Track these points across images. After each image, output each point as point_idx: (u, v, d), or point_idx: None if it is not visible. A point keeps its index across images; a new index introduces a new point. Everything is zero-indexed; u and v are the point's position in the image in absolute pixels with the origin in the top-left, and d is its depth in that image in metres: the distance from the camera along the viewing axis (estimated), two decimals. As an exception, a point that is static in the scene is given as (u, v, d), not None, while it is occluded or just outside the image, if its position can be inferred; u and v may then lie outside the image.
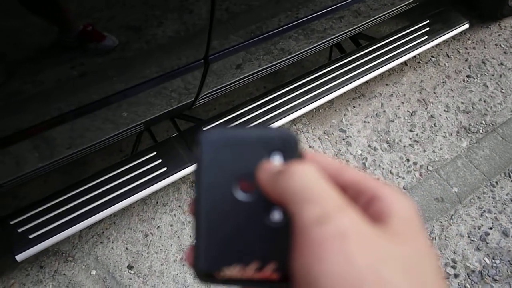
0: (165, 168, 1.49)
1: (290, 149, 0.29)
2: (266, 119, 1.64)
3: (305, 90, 1.72)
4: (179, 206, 1.71)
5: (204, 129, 1.53)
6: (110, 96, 1.10)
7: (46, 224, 1.35)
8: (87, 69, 0.99)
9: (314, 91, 1.73)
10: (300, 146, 0.30)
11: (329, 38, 1.61)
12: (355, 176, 0.29)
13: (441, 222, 1.74)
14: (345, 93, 2.00)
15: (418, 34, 1.94)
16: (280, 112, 1.66)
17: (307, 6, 1.34)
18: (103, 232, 1.63)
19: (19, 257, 1.30)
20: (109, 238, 1.62)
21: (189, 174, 1.62)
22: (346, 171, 0.29)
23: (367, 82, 2.10)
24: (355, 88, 2.07)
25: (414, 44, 1.90)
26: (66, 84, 0.99)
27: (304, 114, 1.89)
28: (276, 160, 0.29)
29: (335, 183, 0.28)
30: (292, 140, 0.30)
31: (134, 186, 1.45)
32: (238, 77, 1.44)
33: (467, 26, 2.02)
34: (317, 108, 2.01)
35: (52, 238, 1.33)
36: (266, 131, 0.30)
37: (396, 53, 1.87)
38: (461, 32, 2.26)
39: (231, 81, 1.43)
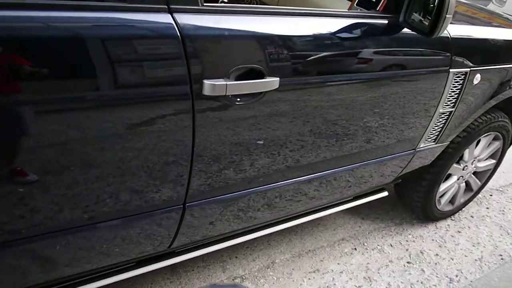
0: None
1: None
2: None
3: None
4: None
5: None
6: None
7: None
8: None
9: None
10: None
11: (289, 216, 2.14)
12: None
13: None
14: (302, 267, 2.41)
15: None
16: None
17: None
18: None
19: None
20: None
21: None
22: None
23: (322, 260, 2.52)
24: (312, 264, 2.49)
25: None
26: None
27: (265, 281, 2.26)
28: None
29: None
30: None
31: None
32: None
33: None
34: (277, 277, 2.37)
35: None
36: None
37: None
38: (403, 228, 2.81)
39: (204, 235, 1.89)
